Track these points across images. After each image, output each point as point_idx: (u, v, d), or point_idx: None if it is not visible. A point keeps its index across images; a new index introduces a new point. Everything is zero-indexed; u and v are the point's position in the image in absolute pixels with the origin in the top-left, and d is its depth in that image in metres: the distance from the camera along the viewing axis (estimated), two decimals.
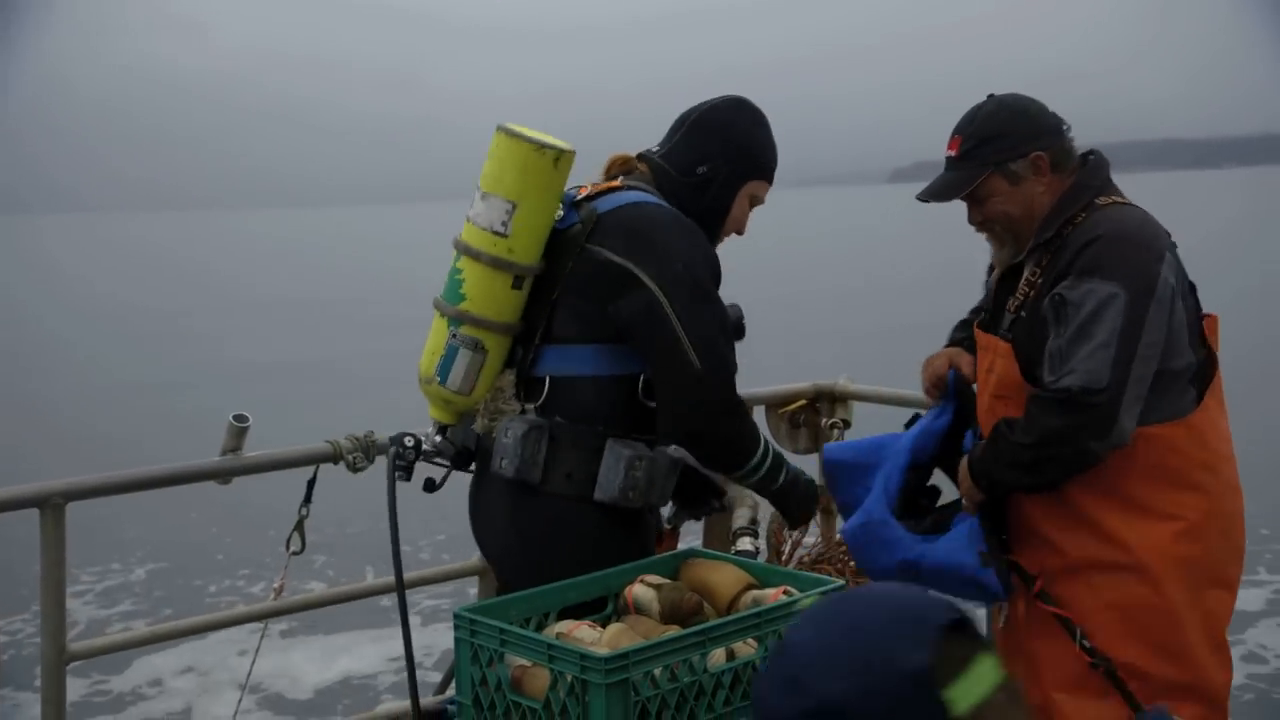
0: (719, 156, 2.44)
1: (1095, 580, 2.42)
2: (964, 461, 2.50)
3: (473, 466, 2.52)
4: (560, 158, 2.34)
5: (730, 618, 2.04)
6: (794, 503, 2.51)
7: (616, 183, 2.45)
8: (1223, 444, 2.47)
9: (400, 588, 2.37)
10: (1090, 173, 2.47)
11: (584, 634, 2.08)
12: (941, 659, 1.03)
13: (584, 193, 2.44)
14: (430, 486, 2.47)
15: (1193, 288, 2.46)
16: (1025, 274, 2.48)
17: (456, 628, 2.03)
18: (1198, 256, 3.10)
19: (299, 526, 2.79)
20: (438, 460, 2.46)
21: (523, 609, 2.17)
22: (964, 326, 2.74)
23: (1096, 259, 2.32)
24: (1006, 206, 2.45)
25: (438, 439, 2.45)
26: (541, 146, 2.32)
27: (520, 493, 2.37)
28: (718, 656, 2.01)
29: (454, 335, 2.36)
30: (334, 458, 2.82)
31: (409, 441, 2.42)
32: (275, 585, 2.74)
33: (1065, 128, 2.50)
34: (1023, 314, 2.46)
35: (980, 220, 2.52)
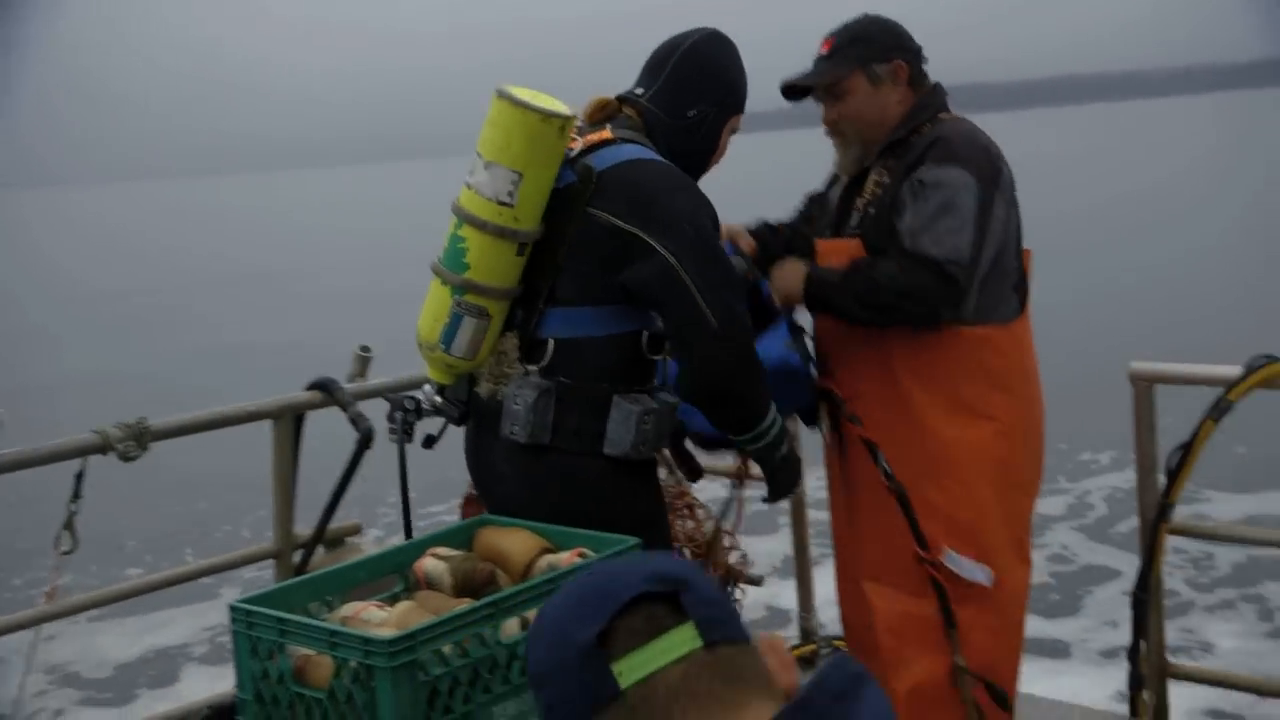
0: (708, 97, 2.46)
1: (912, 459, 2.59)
2: (796, 266, 2.58)
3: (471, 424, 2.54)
4: (565, 125, 2.31)
5: (521, 586, 1.99)
6: (785, 475, 2.54)
7: (607, 133, 2.42)
8: (1032, 356, 2.68)
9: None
10: (936, 94, 2.66)
11: (371, 615, 2.00)
12: (614, 632, 1.03)
13: (575, 146, 2.40)
14: (430, 442, 2.56)
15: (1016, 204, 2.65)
16: (873, 176, 2.63)
17: (233, 620, 1.93)
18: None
19: (69, 524, 2.61)
20: (440, 416, 2.54)
21: (308, 594, 2.07)
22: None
23: (950, 150, 2.51)
24: (862, 108, 2.61)
25: (438, 399, 2.51)
26: (548, 115, 2.28)
27: (531, 453, 2.38)
28: (511, 627, 1.95)
29: (458, 303, 2.35)
30: (102, 448, 2.63)
31: (409, 404, 2.52)
32: (46, 590, 2.55)
33: (923, 55, 2.69)
34: (871, 210, 2.59)
35: (835, 119, 2.66)
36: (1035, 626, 4.04)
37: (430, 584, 2.13)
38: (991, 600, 2.57)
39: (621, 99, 2.49)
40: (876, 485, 2.59)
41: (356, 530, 3.23)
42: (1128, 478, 9.58)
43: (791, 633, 3.54)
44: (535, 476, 2.39)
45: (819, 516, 3.25)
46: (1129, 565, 7.85)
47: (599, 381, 2.35)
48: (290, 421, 3.01)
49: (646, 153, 2.39)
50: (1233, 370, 2.68)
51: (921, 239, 2.45)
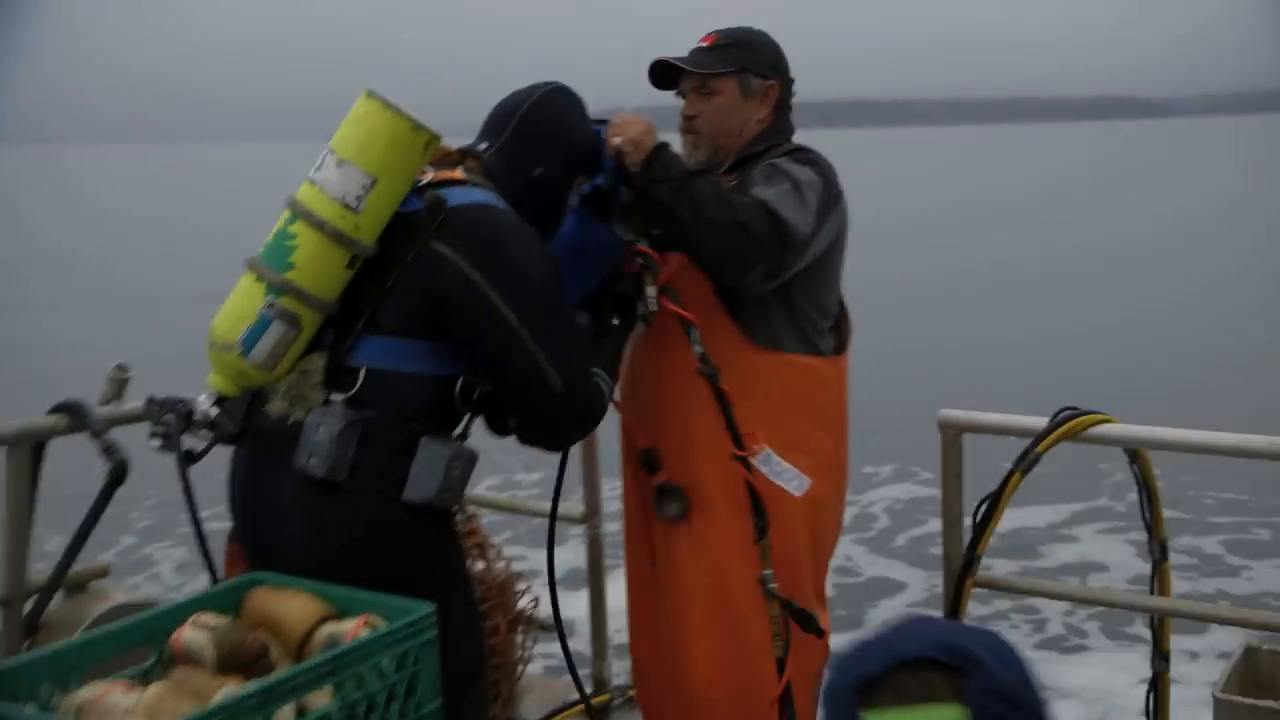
0: (553, 157, 2.38)
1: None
2: (651, 126, 2.40)
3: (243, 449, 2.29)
4: (431, 142, 2.18)
5: (297, 668, 1.74)
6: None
7: (459, 174, 2.30)
8: (846, 395, 2.64)
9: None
10: (790, 124, 2.65)
11: (116, 702, 1.71)
12: (884, 682, 1.06)
13: (425, 176, 2.27)
14: (190, 459, 2.29)
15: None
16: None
17: None
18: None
19: None
20: (211, 431, 2.27)
21: (38, 672, 1.76)
22: None
23: (806, 156, 2.51)
24: (726, 114, 2.55)
25: (213, 410, 2.25)
26: (419, 126, 2.15)
27: (322, 490, 2.14)
28: (285, 715, 1.71)
29: (270, 305, 2.14)
30: None
31: (180, 409, 2.25)
32: None
33: (793, 89, 2.64)
34: None
35: (694, 115, 2.57)
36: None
37: (190, 658, 1.85)
38: (798, 652, 2.50)
39: (463, 151, 2.37)
40: (688, 372, 2.45)
41: (104, 573, 2.86)
42: (908, 490, 10.11)
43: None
44: (324, 517, 2.15)
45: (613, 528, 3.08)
46: (913, 579, 8.19)
47: (408, 420, 2.17)
48: (28, 450, 2.62)
49: (500, 202, 2.28)
50: (1039, 422, 2.68)
51: (770, 200, 2.37)
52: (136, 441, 2.51)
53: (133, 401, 2.82)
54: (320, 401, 2.16)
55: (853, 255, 2.63)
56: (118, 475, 2.63)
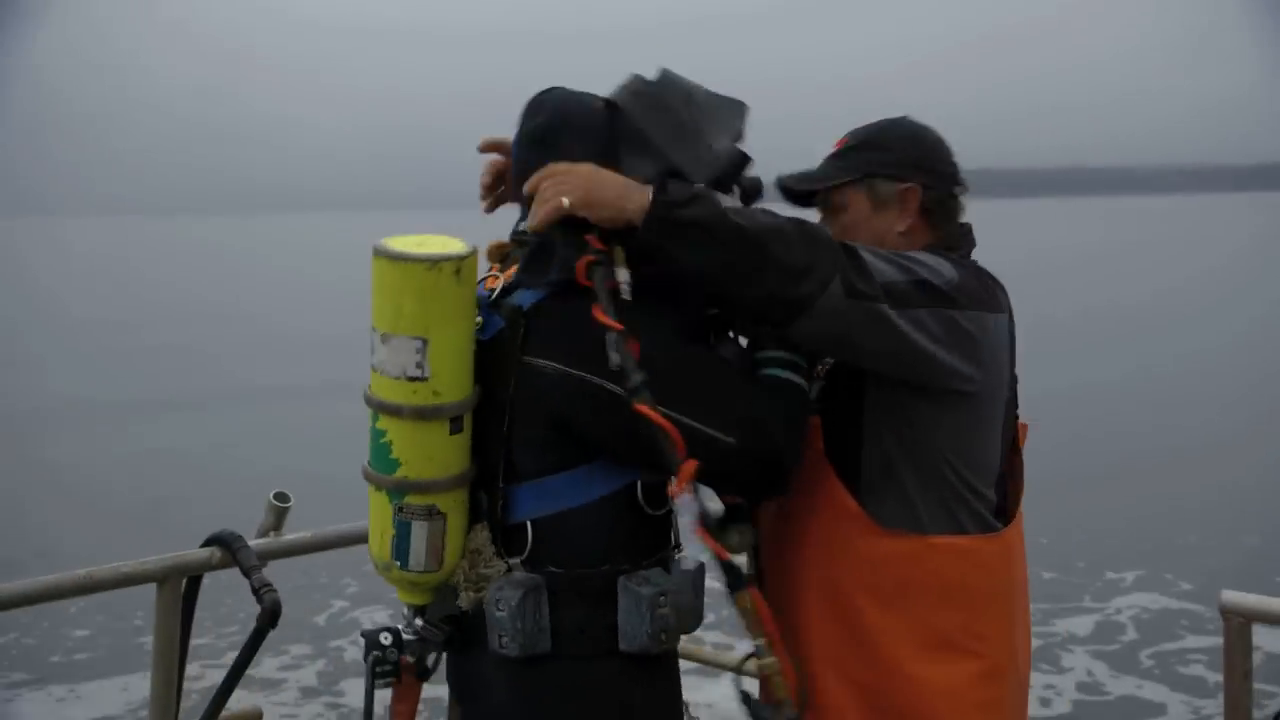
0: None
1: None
2: (614, 176, 1.88)
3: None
4: (461, 266, 1.87)
5: None
6: None
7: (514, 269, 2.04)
8: (1023, 565, 2.09)
9: None
10: (963, 237, 2.11)
11: None
12: None
13: (493, 284, 2.01)
14: (424, 674, 2.03)
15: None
16: None
17: None
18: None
19: None
20: (426, 645, 2.02)
21: None
22: None
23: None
24: (857, 231, 2.06)
25: (418, 623, 2.02)
26: (434, 262, 1.84)
27: (528, 665, 1.92)
28: None
29: (399, 509, 1.93)
30: None
31: (386, 639, 1.99)
32: None
33: (960, 185, 2.11)
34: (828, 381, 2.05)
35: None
36: None
37: None
38: None
39: (515, 238, 2.09)
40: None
41: (257, 717, 2.66)
42: (1153, 599, 9.14)
43: None
44: (534, 692, 1.92)
45: None
46: (1170, 701, 7.30)
47: (598, 562, 1.91)
48: (177, 585, 2.45)
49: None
50: None
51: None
52: (291, 574, 2.29)
53: (293, 532, 2.63)
54: (502, 573, 1.93)
55: None
56: (270, 618, 2.42)
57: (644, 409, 1.76)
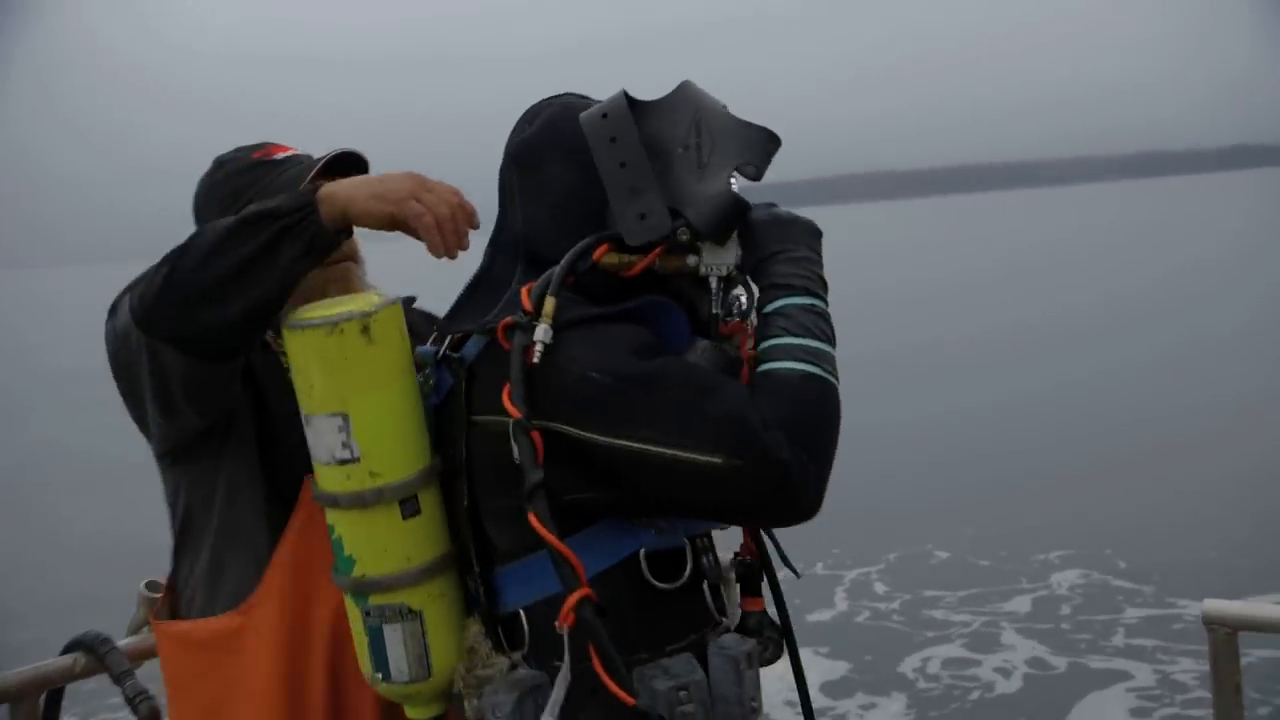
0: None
1: None
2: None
3: None
4: (369, 324, 1.59)
5: None
6: None
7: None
8: None
9: None
10: None
11: None
12: None
13: (446, 341, 1.72)
14: None
15: None
16: None
17: None
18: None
19: None
20: None
21: None
22: None
23: None
24: None
25: None
26: (334, 325, 1.58)
27: None
28: None
29: (367, 614, 1.66)
30: None
31: None
32: None
33: None
34: None
35: None
36: None
37: None
38: None
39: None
40: None
41: None
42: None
43: None
44: None
45: None
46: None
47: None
48: (34, 703, 2.13)
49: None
50: None
51: None
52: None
53: None
54: (503, 672, 1.64)
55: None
56: None
57: (534, 520, 1.47)
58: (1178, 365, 18.69)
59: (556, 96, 1.74)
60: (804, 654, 1.79)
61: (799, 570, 1.81)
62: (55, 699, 2.17)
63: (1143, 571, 9.01)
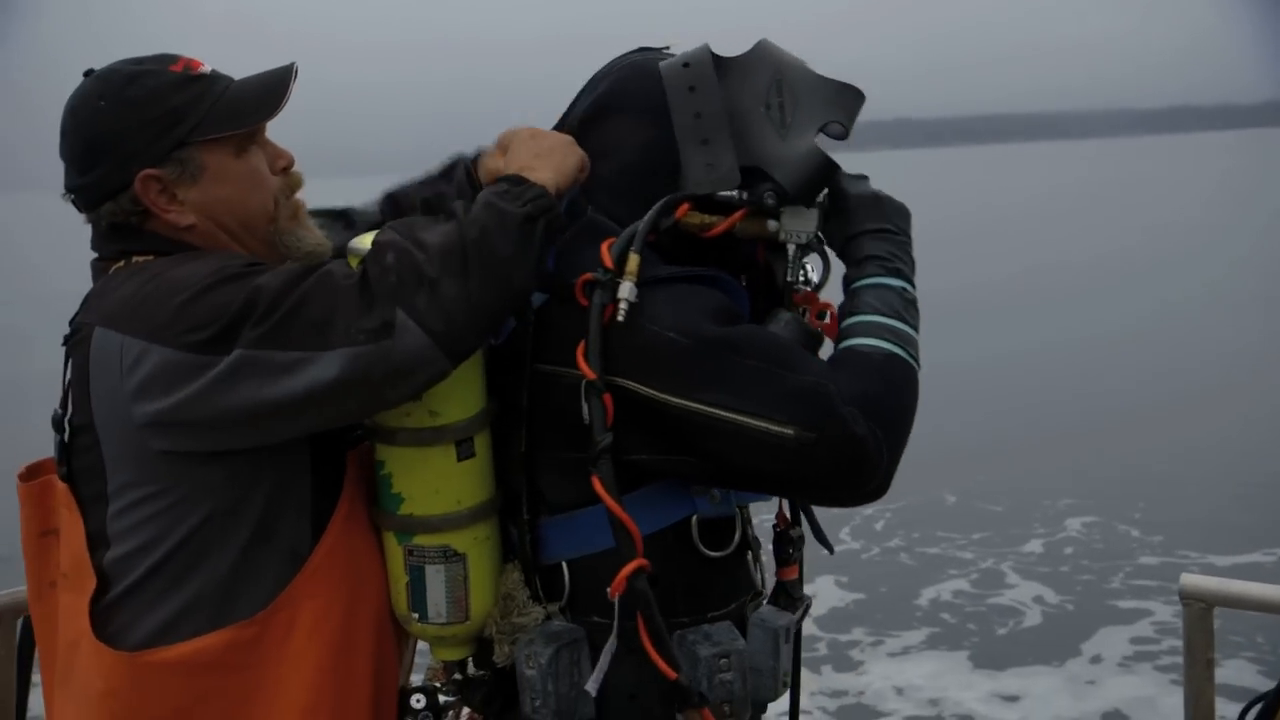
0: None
1: None
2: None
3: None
4: None
5: None
6: None
7: None
8: None
9: None
10: None
11: None
12: None
13: None
14: None
15: None
16: None
17: None
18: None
19: None
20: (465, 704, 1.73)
21: None
22: None
23: None
24: None
25: (457, 676, 1.72)
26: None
27: None
28: None
29: (409, 553, 1.63)
30: None
31: (418, 701, 1.67)
32: None
33: None
34: None
35: None
36: None
37: None
38: None
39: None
40: None
41: None
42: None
43: None
44: None
45: None
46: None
47: None
48: (11, 626, 2.15)
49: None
50: None
51: None
52: None
53: None
54: (539, 620, 1.62)
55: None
56: None
57: (597, 484, 1.46)
58: (1200, 317, 18.53)
59: (625, 55, 1.72)
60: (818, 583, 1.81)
61: (833, 546, 1.81)
62: (29, 624, 2.19)
63: (1156, 525, 8.99)
